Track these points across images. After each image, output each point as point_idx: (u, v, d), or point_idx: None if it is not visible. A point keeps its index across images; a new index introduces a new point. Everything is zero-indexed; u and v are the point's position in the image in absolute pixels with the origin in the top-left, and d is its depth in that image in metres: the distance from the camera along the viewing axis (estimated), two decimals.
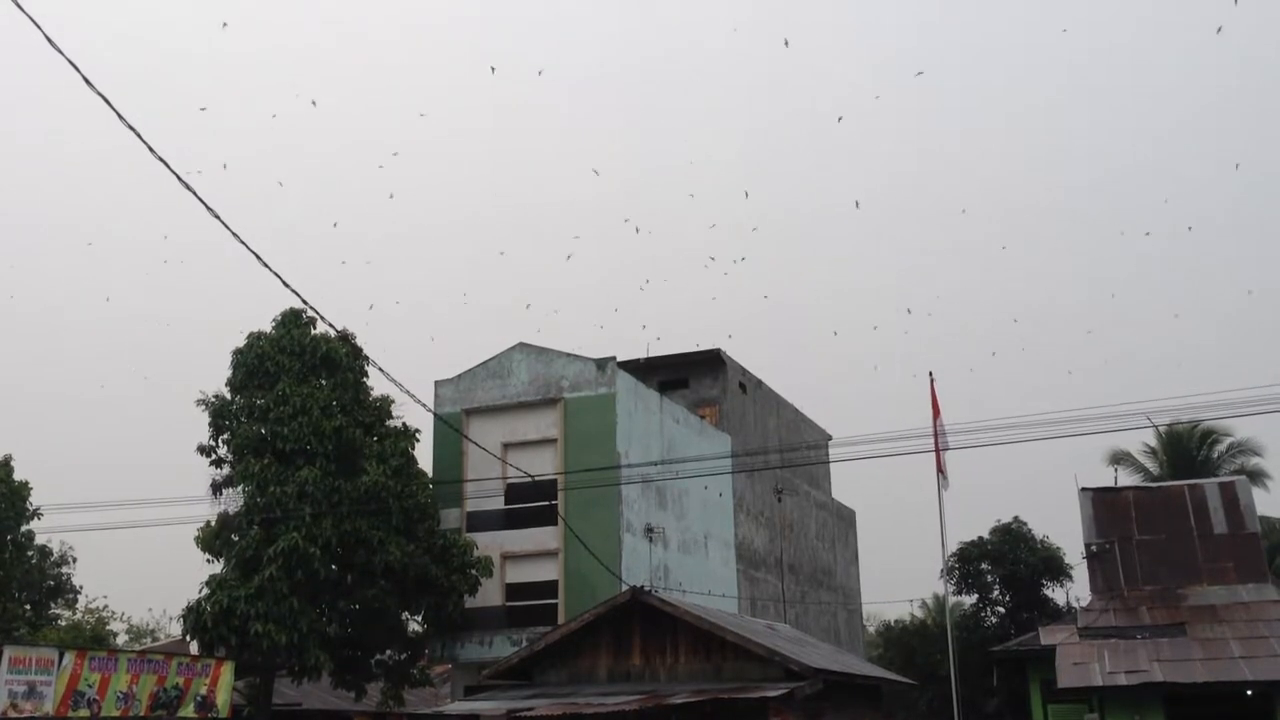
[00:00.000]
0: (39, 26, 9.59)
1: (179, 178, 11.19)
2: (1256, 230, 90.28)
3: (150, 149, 10.77)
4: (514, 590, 29.15)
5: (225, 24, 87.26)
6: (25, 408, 67.80)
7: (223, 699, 22.25)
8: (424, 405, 21.15)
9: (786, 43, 76.85)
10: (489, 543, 28.82)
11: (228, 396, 27.43)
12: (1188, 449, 37.60)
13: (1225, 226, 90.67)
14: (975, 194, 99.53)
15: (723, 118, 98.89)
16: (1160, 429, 36.33)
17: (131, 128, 10.50)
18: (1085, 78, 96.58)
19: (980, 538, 34.41)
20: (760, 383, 39.70)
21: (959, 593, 34.90)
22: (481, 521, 29.54)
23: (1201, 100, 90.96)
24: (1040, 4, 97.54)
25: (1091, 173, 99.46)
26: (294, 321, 27.70)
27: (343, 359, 27.50)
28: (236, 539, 26.18)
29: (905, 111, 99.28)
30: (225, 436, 27.12)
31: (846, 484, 49.14)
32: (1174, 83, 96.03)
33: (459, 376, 30.94)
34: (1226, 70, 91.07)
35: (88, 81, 10.12)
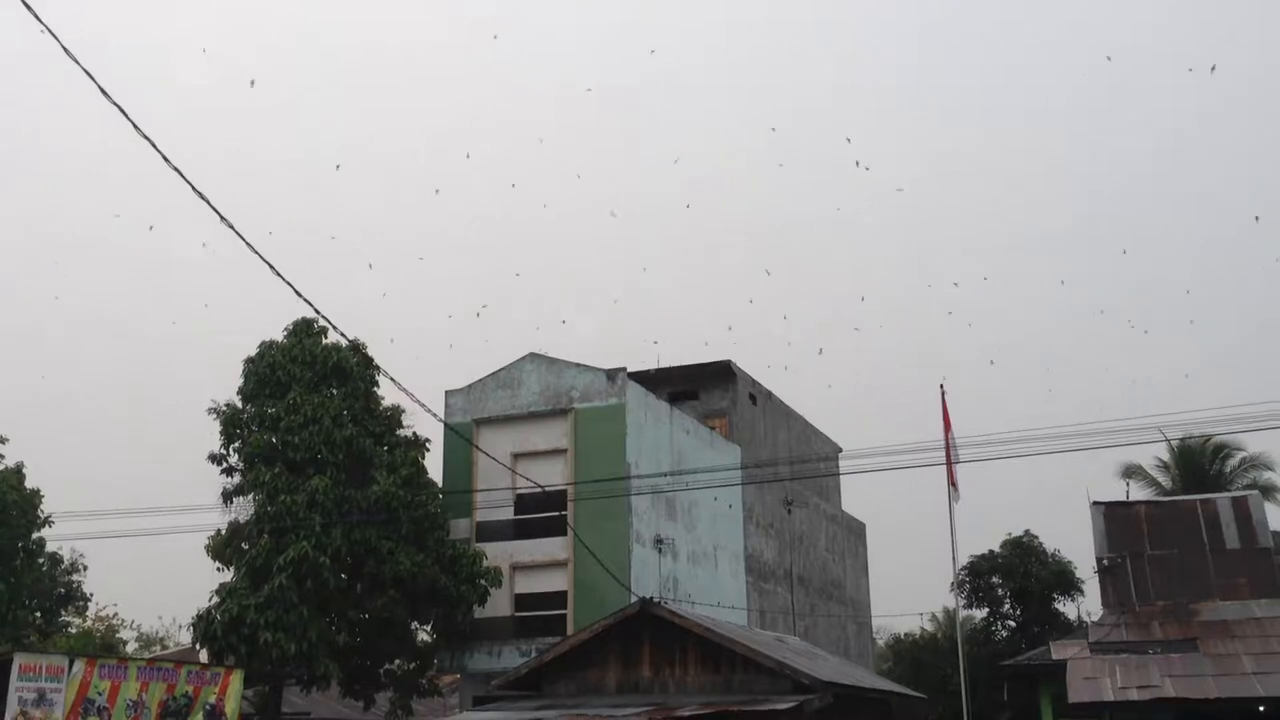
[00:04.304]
0: (55, 35, 9.65)
1: (194, 188, 11.25)
2: (1266, 237, 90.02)
3: (165, 159, 10.84)
4: (523, 601, 29.14)
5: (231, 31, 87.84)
6: (37, 415, 68.05)
7: (232, 707, 22.25)
8: (434, 415, 21.24)
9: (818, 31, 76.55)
10: (498, 553, 28.81)
11: (239, 405, 27.52)
12: (1200, 463, 37.43)
13: (1235, 236, 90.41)
14: (984, 200, 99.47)
15: (727, 123, 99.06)
16: (1172, 443, 36.16)
17: (147, 137, 10.57)
18: (1104, 86, 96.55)
19: (991, 551, 34.31)
20: (770, 394, 39.66)
21: (969, 606, 34.78)
22: (491, 532, 29.55)
23: (1221, 100, 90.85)
24: (1052, 7, 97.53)
25: (1099, 177, 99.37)
26: (305, 331, 27.80)
27: (354, 368, 27.59)
28: (246, 548, 26.25)
29: (920, 117, 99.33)
30: (236, 445, 27.22)
31: (856, 496, 49.00)
32: (1191, 88, 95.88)
33: (469, 386, 30.98)
34: (1239, 74, 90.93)
35: (104, 92, 10.19)
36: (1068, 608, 33.84)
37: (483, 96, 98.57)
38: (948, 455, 26.27)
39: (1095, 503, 26.17)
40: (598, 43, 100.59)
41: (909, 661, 41.00)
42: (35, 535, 31.95)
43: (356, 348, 27.06)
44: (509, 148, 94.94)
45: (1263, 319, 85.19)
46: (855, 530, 47.33)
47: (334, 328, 19.29)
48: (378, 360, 27.38)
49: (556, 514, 28.63)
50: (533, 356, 30.76)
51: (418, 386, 18.22)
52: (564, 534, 28.56)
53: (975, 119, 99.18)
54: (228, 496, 27.18)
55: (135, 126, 10.53)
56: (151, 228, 74.72)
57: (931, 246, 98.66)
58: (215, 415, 27.38)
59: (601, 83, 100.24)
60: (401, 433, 28.28)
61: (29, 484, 31.65)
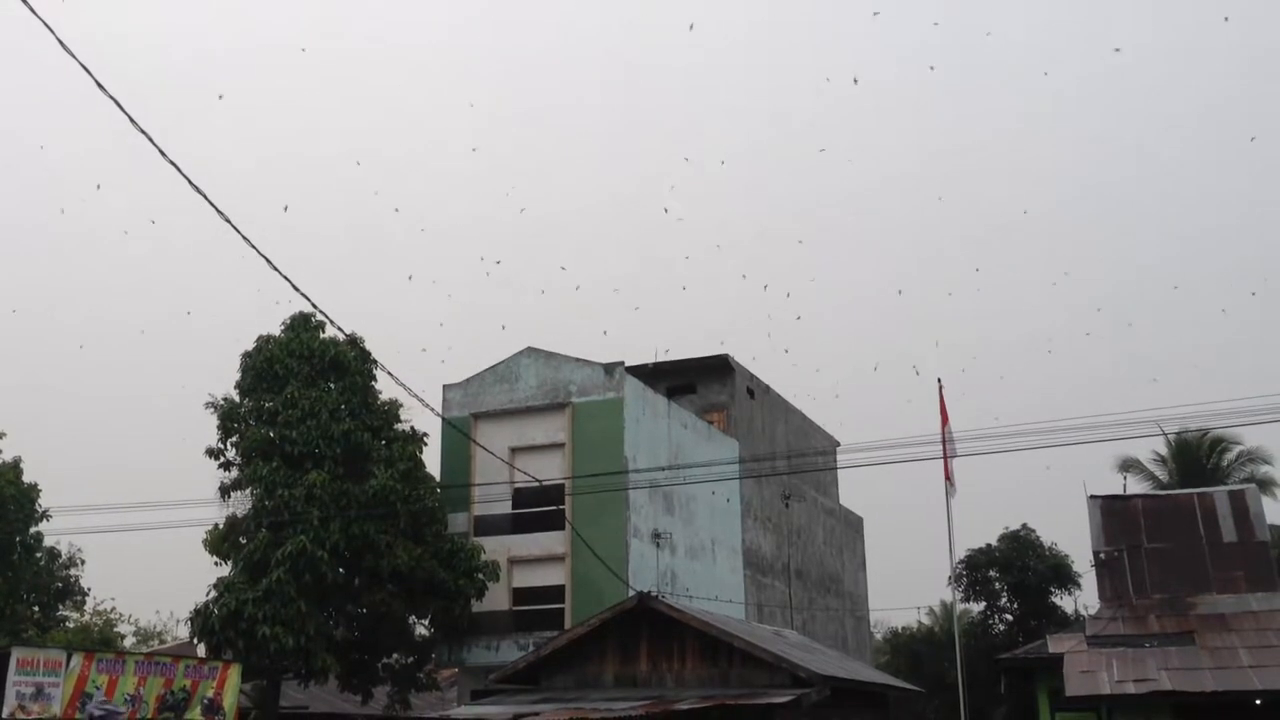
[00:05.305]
0: (52, 31, 9.63)
1: (191, 182, 11.23)
2: (1263, 233, 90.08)
3: (162, 153, 10.82)
4: (521, 595, 29.16)
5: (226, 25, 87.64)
6: (34, 409, 68.00)
7: (230, 701, 22.27)
8: (432, 409, 21.28)
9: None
10: (496, 547, 28.84)
11: (236, 399, 27.52)
12: (1197, 457, 37.44)
13: (1234, 232, 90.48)
14: (984, 193, 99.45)
15: (722, 119, 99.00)
16: (1169, 437, 36.17)
17: (145, 133, 10.55)
18: (1104, 77, 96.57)
19: (988, 545, 34.34)
20: (768, 388, 39.68)
21: (967, 600, 34.84)
22: (489, 526, 29.56)
23: (1221, 94, 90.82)
24: (1047, 6, 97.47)
25: (1100, 170, 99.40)
26: (303, 325, 27.80)
27: (351, 363, 27.59)
28: (244, 542, 26.26)
29: (913, 106, 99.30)
30: (234, 439, 27.23)
31: (854, 490, 49.06)
32: (1192, 80, 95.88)
33: (467, 380, 30.98)
34: (1244, 63, 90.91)
35: (100, 86, 10.17)
36: (1065, 601, 33.91)
37: (485, 94, 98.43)
38: (944, 449, 26.31)
39: (1092, 496, 26.20)
40: (595, 39, 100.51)
41: (906, 655, 41.09)
42: (33, 530, 31.92)
43: (354, 342, 27.05)
44: (510, 142, 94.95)
45: (1262, 314, 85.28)
46: (853, 524, 47.38)
47: (331, 322, 19.33)
48: (375, 354, 27.44)
49: (554, 508, 28.65)
50: (530, 350, 30.76)
51: (415, 381, 18.27)
52: (562, 528, 28.58)
53: (977, 112, 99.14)
54: (225, 491, 27.20)
55: (133, 121, 10.51)
56: (153, 222, 74.59)
57: (932, 243, 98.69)
58: (213, 410, 27.39)
59: (601, 80, 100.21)
60: (399, 427, 28.27)
61: (27, 478, 31.61)
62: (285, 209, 79.91)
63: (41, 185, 79.87)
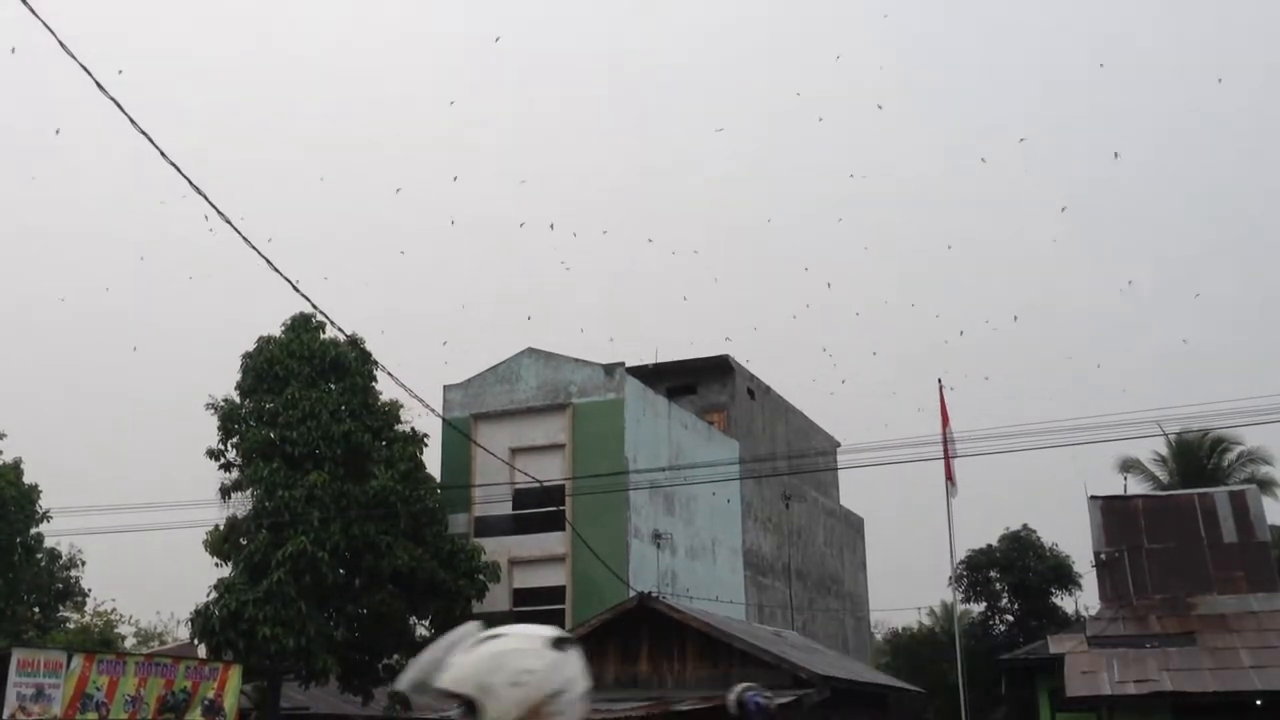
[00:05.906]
0: (53, 32, 9.64)
1: (191, 183, 11.24)
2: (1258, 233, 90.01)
3: (162, 154, 10.82)
4: (521, 595, 29.17)
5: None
6: (35, 410, 67.95)
7: (230, 702, 22.26)
8: (432, 410, 21.27)
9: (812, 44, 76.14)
10: (497, 548, 28.83)
11: (237, 400, 27.52)
12: (1198, 457, 37.46)
13: (1230, 233, 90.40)
14: (983, 189, 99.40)
15: (723, 117, 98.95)
16: (1170, 437, 36.18)
17: (145, 133, 10.55)
18: (1102, 69, 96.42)
19: (989, 545, 34.37)
20: (769, 389, 39.68)
21: (967, 601, 34.86)
22: (489, 526, 29.57)
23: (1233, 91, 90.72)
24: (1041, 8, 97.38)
25: (1100, 168, 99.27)
26: (303, 326, 27.79)
27: (352, 363, 27.59)
28: (245, 543, 26.25)
29: (914, 105, 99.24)
30: (234, 440, 27.22)
31: (855, 491, 49.00)
32: (1197, 73, 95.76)
33: (467, 381, 30.98)
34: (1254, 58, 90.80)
35: (100, 86, 10.17)
36: (1065, 602, 33.97)
37: (488, 94, 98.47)
38: (945, 450, 26.31)
39: (1093, 497, 26.21)
40: (598, 37, 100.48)
41: (907, 656, 41.11)
42: (33, 531, 31.92)
43: (355, 342, 27.06)
44: (511, 142, 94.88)
45: (1263, 314, 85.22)
46: (853, 524, 47.38)
47: (332, 323, 19.33)
48: (375, 355, 27.45)
49: (555, 509, 28.65)
50: (531, 351, 30.76)
51: (416, 381, 18.28)
52: (562, 529, 28.58)
53: (974, 114, 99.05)
54: (226, 492, 27.19)
55: (132, 121, 10.51)
56: (162, 202, 74.17)
57: (928, 243, 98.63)
58: (213, 411, 27.39)
59: (602, 81, 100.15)
60: (400, 428, 28.26)
61: (27, 479, 31.61)
62: (401, 251, 78.92)
63: (40, 178, 79.89)
